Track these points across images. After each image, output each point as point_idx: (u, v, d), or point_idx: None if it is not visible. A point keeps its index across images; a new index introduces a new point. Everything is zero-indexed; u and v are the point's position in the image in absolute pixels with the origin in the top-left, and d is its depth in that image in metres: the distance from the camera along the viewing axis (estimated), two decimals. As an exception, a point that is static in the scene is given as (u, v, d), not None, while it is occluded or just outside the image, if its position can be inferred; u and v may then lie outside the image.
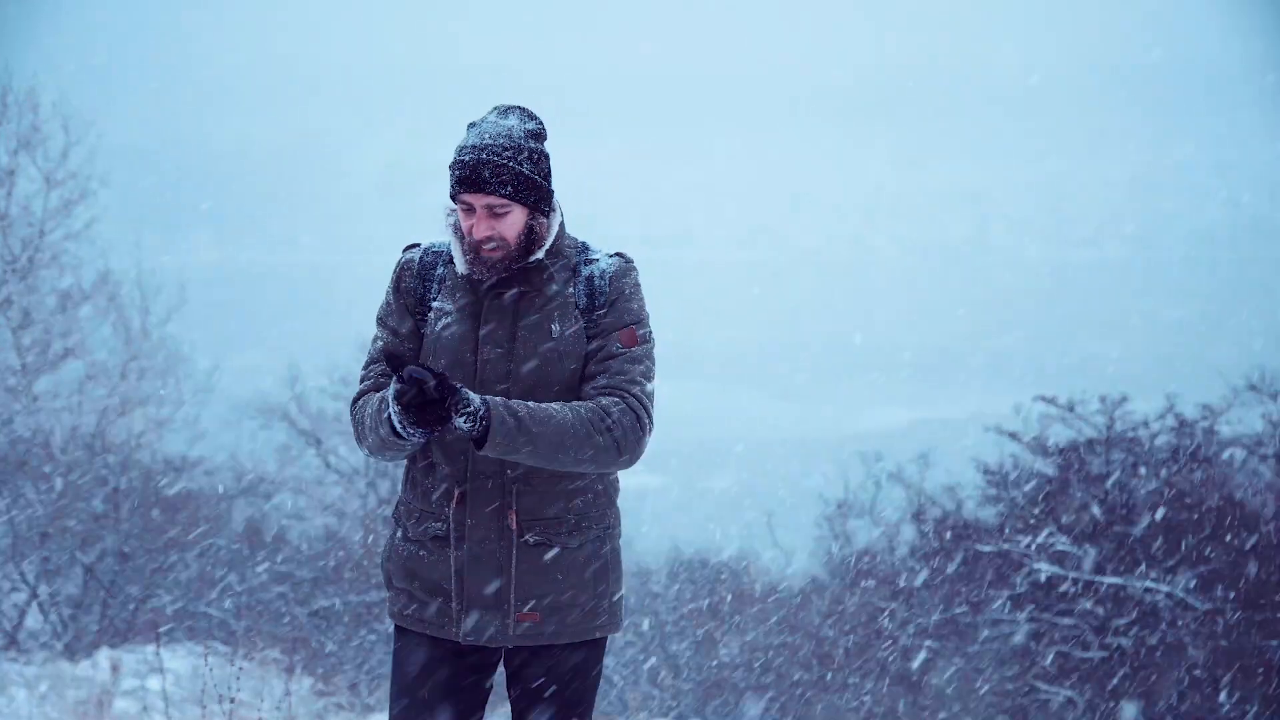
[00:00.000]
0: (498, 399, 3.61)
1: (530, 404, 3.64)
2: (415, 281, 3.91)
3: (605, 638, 3.92)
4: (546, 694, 3.86)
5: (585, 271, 3.83)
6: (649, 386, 3.79)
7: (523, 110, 3.85)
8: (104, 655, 15.07)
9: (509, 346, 3.77)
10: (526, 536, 3.78)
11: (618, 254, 3.88)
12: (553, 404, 3.66)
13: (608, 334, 3.79)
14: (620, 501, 4.02)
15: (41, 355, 21.04)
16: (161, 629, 15.18)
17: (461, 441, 3.79)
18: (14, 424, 19.47)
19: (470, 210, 3.77)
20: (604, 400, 3.71)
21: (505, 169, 3.71)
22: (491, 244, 3.75)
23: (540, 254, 3.80)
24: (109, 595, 16.83)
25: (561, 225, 3.86)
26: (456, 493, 3.81)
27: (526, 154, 3.75)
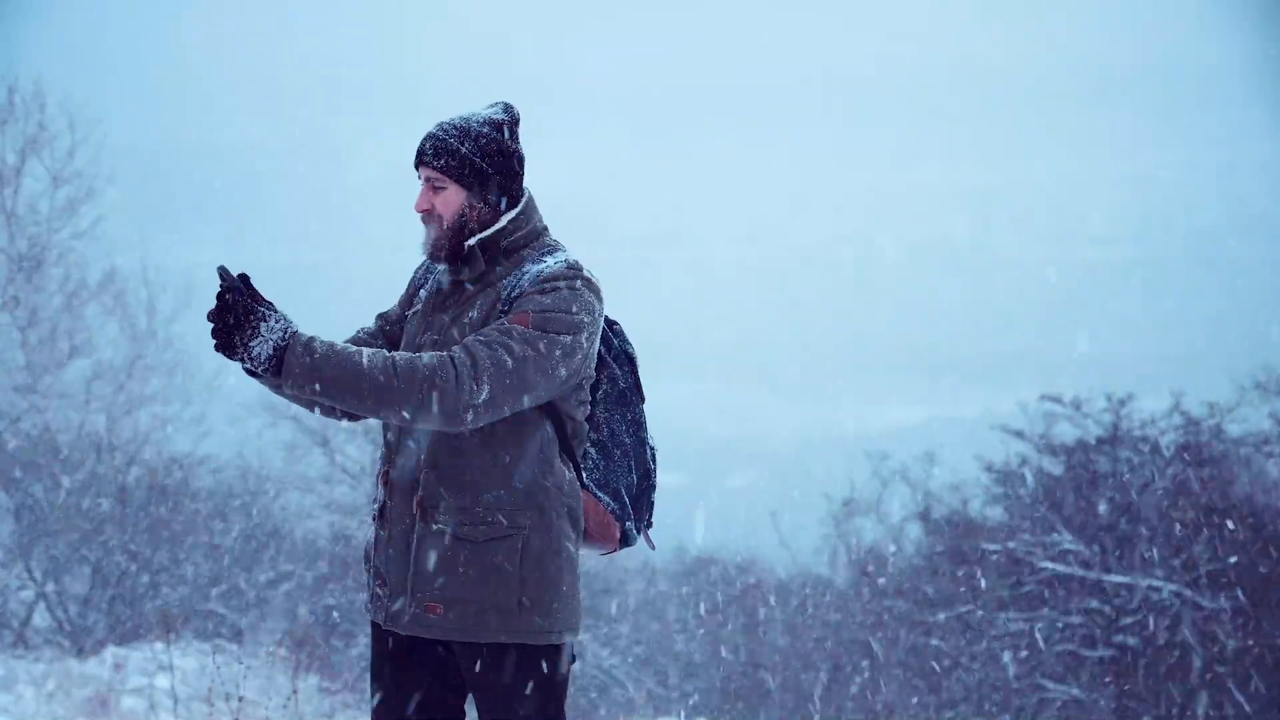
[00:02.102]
0: (306, 335, 3.54)
1: (340, 345, 3.56)
2: (421, 272, 4.05)
3: (544, 646, 3.74)
4: (480, 697, 3.77)
5: (527, 268, 3.80)
6: (503, 356, 3.58)
7: (505, 105, 3.91)
8: (111, 653, 15.09)
9: (443, 334, 3.81)
10: (432, 524, 3.74)
11: (568, 262, 3.79)
12: (367, 349, 3.57)
13: (507, 315, 3.72)
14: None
15: (48, 354, 21.06)
16: (169, 627, 15.21)
17: (393, 423, 3.77)
18: (21, 423, 19.50)
19: None
20: (435, 353, 3.62)
21: (445, 145, 3.78)
22: (430, 221, 3.82)
23: (473, 240, 3.80)
24: (116, 593, 16.86)
25: (521, 219, 3.84)
26: (383, 474, 3.86)
27: (474, 137, 3.80)
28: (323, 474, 22.75)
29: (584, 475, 3.89)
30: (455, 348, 3.63)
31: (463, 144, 3.79)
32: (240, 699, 8.31)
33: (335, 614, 18.31)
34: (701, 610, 19.64)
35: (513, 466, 3.73)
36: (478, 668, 3.75)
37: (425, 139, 3.82)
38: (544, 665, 3.76)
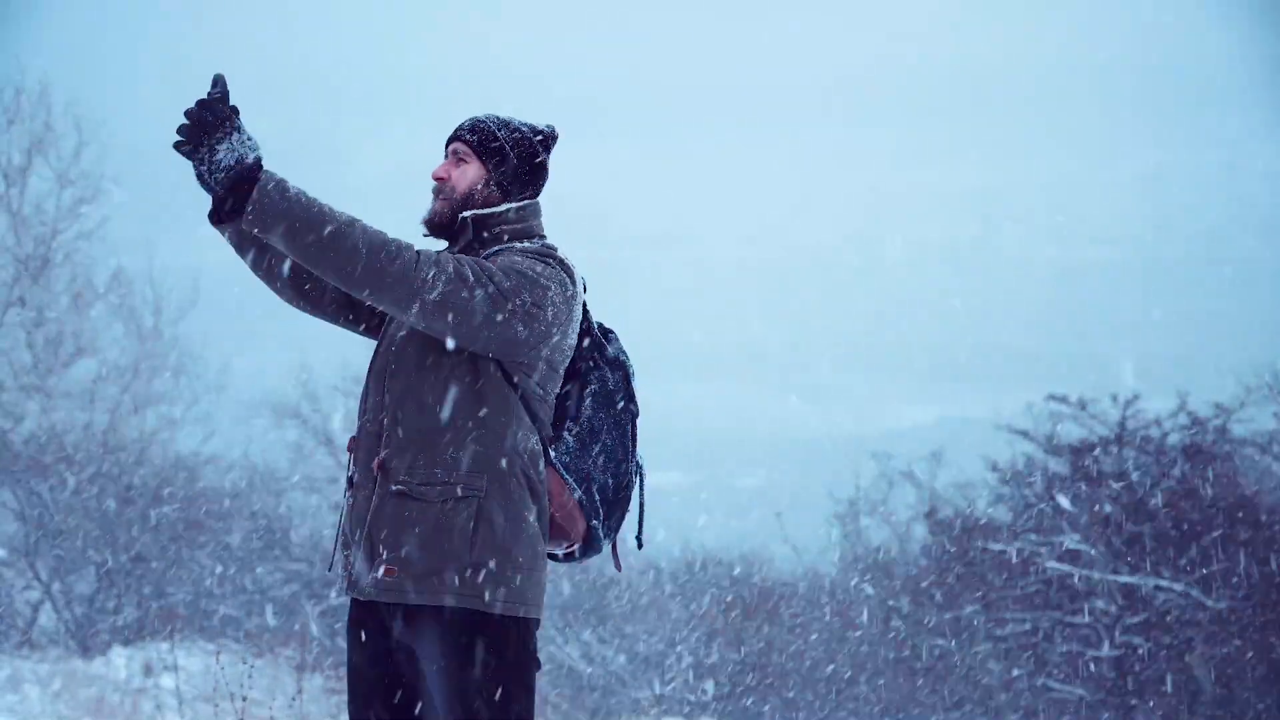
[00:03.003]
0: (282, 177, 3.57)
1: (315, 197, 3.60)
2: None
3: (497, 617, 3.64)
4: (427, 666, 3.70)
5: (502, 246, 3.90)
6: (465, 272, 3.64)
7: (550, 125, 4.03)
8: (117, 653, 15.12)
9: None
10: (391, 485, 3.71)
11: (544, 242, 3.91)
12: (345, 211, 3.63)
13: None
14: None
15: (54, 354, 21.09)
16: (174, 627, 15.22)
17: (367, 385, 3.85)
18: (27, 422, 19.53)
19: None
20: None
21: (482, 126, 3.92)
22: (442, 190, 3.91)
23: (468, 213, 3.87)
24: (121, 593, 16.87)
25: (522, 213, 3.92)
26: (351, 440, 3.88)
27: (511, 130, 3.93)
28: (328, 474, 22.75)
29: (553, 454, 3.85)
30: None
31: (499, 130, 3.93)
32: (245, 699, 8.29)
33: (341, 614, 18.30)
34: (706, 610, 19.64)
35: (474, 428, 3.71)
36: (427, 636, 3.67)
37: (466, 119, 3.96)
38: (496, 639, 3.67)
